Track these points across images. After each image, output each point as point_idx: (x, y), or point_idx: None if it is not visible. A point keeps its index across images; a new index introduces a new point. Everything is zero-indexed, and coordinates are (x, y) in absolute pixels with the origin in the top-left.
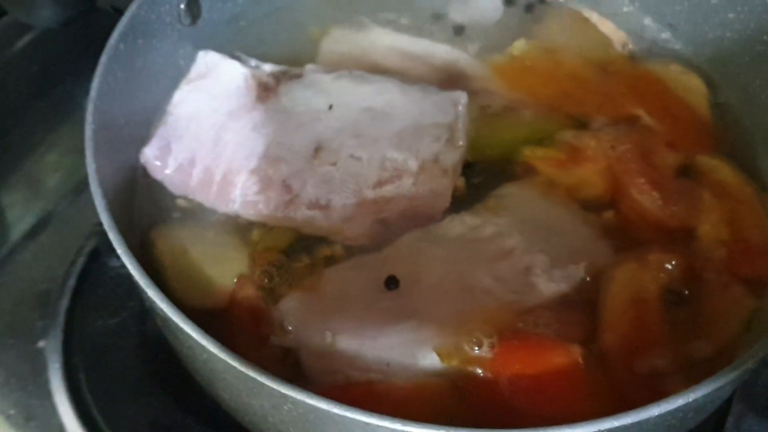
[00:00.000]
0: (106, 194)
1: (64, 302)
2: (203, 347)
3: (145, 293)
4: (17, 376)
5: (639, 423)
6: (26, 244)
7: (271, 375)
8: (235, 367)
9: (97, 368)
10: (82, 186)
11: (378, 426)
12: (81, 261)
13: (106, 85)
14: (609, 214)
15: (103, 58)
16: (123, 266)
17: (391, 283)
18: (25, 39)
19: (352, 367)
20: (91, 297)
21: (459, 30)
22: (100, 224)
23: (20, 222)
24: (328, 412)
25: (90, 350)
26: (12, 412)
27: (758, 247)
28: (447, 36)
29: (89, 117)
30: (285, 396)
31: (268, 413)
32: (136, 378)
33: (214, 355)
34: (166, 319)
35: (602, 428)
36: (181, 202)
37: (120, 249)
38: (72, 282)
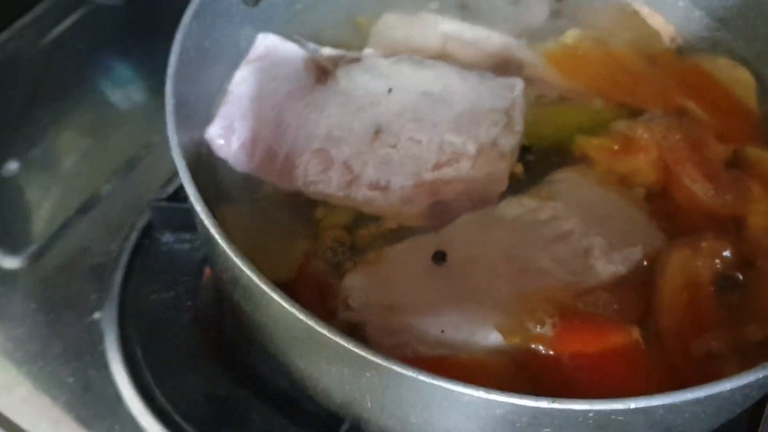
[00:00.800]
0: (189, 171)
1: (119, 276)
2: (287, 313)
3: (230, 261)
4: (75, 347)
5: (710, 397)
6: (80, 219)
7: (358, 342)
8: (321, 333)
9: (152, 340)
10: (132, 163)
11: (462, 393)
12: (134, 236)
13: (181, 62)
14: (661, 203)
15: (179, 36)
16: (175, 242)
17: (439, 257)
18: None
19: (418, 342)
20: (145, 271)
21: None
22: (154, 200)
23: (74, 198)
24: (414, 379)
25: (145, 323)
26: (70, 380)
27: None
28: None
29: (169, 92)
30: (370, 362)
31: (346, 381)
32: (190, 351)
33: (299, 321)
34: (249, 287)
35: (677, 401)
36: (243, 179)
37: (207, 221)
38: (125, 256)
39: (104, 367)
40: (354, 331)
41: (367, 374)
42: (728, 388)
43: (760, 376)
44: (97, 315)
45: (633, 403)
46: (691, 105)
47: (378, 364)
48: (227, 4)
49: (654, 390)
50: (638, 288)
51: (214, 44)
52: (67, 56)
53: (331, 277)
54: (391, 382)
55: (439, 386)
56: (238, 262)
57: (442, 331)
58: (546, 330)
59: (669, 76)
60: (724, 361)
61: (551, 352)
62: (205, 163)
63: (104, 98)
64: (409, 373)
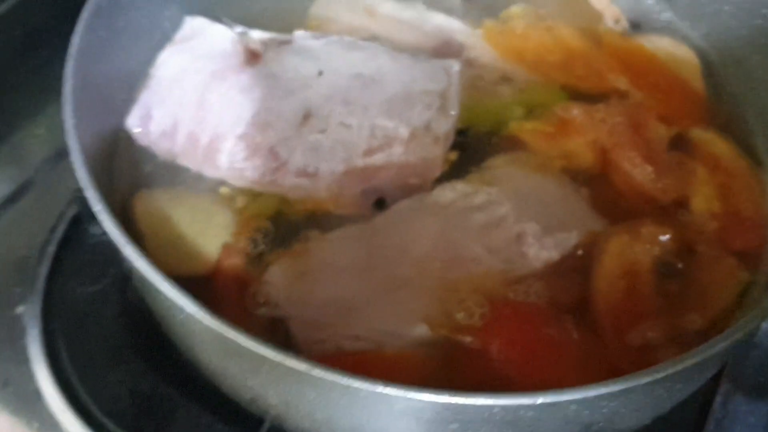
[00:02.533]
0: (85, 152)
1: (44, 269)
2: (180, 308)
3: (123, 253)
4: None
5: (626, 391)
6: (5, 210)
7: (249, 334)
8: (211, 328)
9: (76, 335)
10: (63, 153)
11: (357, 388)
12: (61, 228)
13: (86, 42)
14: (600, 187)
15: (85, 15)
16: (104, 233)
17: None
18: (8, 3)
19: (342, 337)
20: (72, 264)
21: None
22: (81, 190)
23: (1, 188)
24: (306, 374)
25: (70, 317)
26: None
27: (751, 220)
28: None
29: (68, 73)
30: (263, 357)
31: (247, 376)
32: (116, 346)
33: (191, 316)
34: (143, 280)
35: (589, 395)
36: (165, 167)
37: (97, 206)
38: (52, 248)
39: (25, 362)
40: (277, 326)
41: (264, 368)
42: (643, 382)
43: (679, 368)
44: (19, 309)
45: (540, 398)
46: (631, 88)
47: (269, 359)
48: None
49: (588, 380)
50: (574, 276)
51: (131, 24)
52: (0, 43)
53: (252, 270)
54: (288, 377)
55: (334, 381)
56: (127, 251)
57: (369, 325)
58: (474, 321)
59: (611, 57)
60: (661, 351)
61: (480, 345)
62: (124, 150)
63: (35, 85)
64: (302, 367)
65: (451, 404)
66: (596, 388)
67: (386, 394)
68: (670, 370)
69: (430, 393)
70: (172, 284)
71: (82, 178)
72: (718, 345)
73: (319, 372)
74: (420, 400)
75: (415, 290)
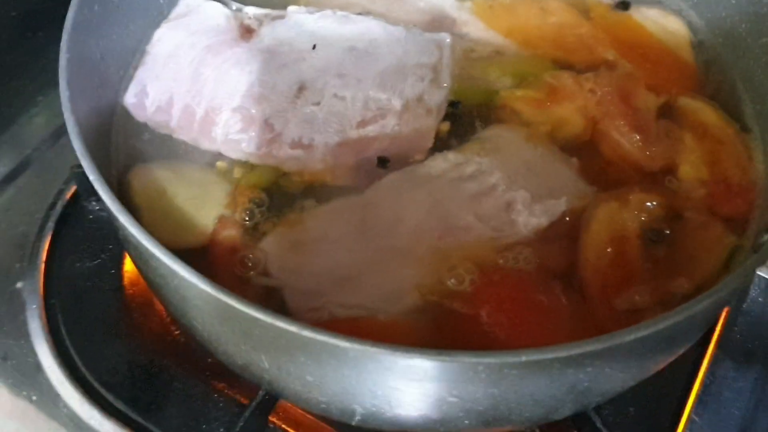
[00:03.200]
0: (81, 126)
1: (43, 244)
2: (174, 273)
3: (117, 221)
4: None
5: (609, 350)
6: (5, 187)
7: (241, 298)
8: (204, 291)
9: (75, 309)
10: (61, 132)
11: (346, 348)
12: (60, 204)
13: (81, 16)
14: (590, 156)
15: None
16: (102, 209)
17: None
18: None
19: (335, 305)
20: (70, 240)
21: None
22: (79, 167)
23: (0, 166)
24: (296, 335)
25: (69, 292)
26: None
27: (739, 186)
28: None
29: (64, 46)
30: (255, 319)
31: (240, 340)
32: (114, 319)
33: (185, 280)
34: (137, 247)
35: (572, 353)
36: (162, 141)
37: (92, 176)
38: (51, 224)
39: (25, 337)
40: (271, 296)
41: (256, 332)
42: (626, 341)
43: (661, 327)
44: (19, 284)
45: (524, 356)
46: (619, 58)
47: (261, 320)
48: None
49: None
50: (563, 242)
51: (127, 1)
52: None
53: (247, 240)
54: (281, 339)
55: (323, 342)
56: (121, 219)
57: (362, 293)
58: (465, 287)
59: (600, 29)
60: (649, 315)
61: (470, 310)
62: (121, 125)
63: (33, 67)
64: (292, 328)
65: (437, 364)
66: (580, 346)
67: (374, 355)
68: (652, 329)
69: (416, 352)
70: (165, 250)
71: (78, 147)
72: (700, 304)
73: (308, 333)
74: (407, 360)
75: (407, 259)
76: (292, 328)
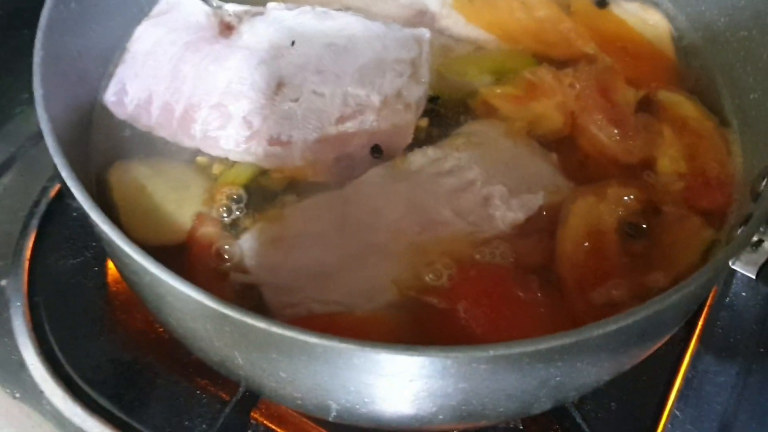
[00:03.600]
0: (55, 122)
1: (27, 242)
2: (145, 269)
3: (90, 218)
4: None
5: (578, 344)
6: None
7: (209, 293)
8: (175, 288)
9: (59, 307)
10: None
11: (315, 344)
12: (44, 202)
13: (57, 13)
14: (568, 151)
15: None
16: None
17: (376, 151)
18: None
19: (313, 301)
20: (54, 237)
21: None
22: None
23: None
24: (266, 331)
25: (52, 289)
26: None
27: (716, 179)
28: None
29: (38, 44)
30: (224, 316)
31: (213, 337)
32: (97, 317)
33: (156, 277)
34: (110, 243)
35: (540, 347)
36: (142, 138)
37: (64, 172)
38: (35, 222)
39: (8, 334)
40: (249, 292)
41: (227, 329)
42: (594, 335)
43: (629, 321)
44: (3, 282)
45: (492, 350)
46: (599, 52)
47: (230, 317)
48: None
49: None
50: (540, 237)
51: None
52: None
53: (225, 237)
54: (251, 336)
55: (292, 338)
56: (93, 215)
57: (341, 289)
58: (442, 282)
59: (580, 23)
60: (625, 309)
61: (447, 305)
62: (101, 121)
63: (17, 65)
64: (260, 324)
65: (406, 359)
66: (546, 341)
67: (343, 350)
68: (621, 323)
69: (384, 348)
70: (135, 247)
71: (50, 144)
72: (669, 298)
73: (277, 329)
74: (376, 355)
75: (385, 254)
76: (261, 324)
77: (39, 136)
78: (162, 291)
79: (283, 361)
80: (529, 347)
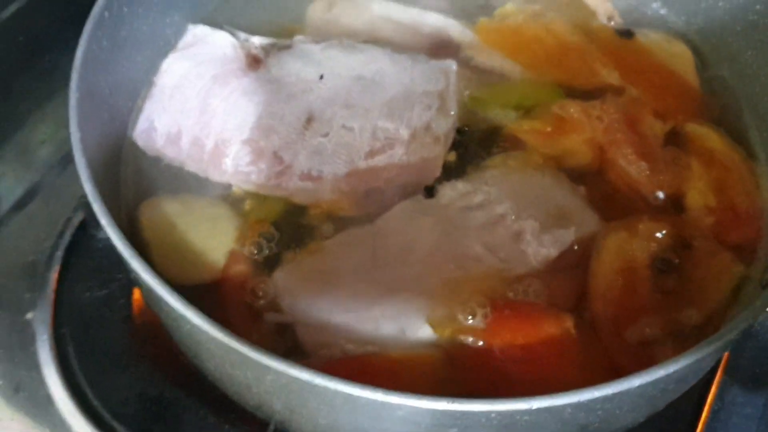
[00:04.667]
0: (91, 164)
1: (53, 274)
2: (186, 318)
3: (128, 264)
4: (5, 348)
5: (620, 394)
6: (14, 215)
7: (253, 345)
8: (217, 338)
9: (85, 340)
10: (71, 157)
11: (358, 396)
12: (69, 232)
13: (90, 53)
14: (597, 185)
15: (88, 26)
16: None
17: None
18: (11, 9)
19: (347, 341)
20: (79, 269)
21: None
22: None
23: (9, 194)
24: (309, 383)
25: (78, 322)
26: (0, 382)
27: (746, 213)
28: None
29: (73, 86)
30: (267, 367)
31: (252, 384)
32: (124, 349)
33: (197, 327)
34: (150, 291)
35: (583, 399)
36: (171, 173)
37: (103, 219)
38: (60, 253)
39: (36, 368)
40: (284, 330)
41: (268, 377)
42: (636, 385)
43: (671, 371)
44: (29, 315)
45: (536, 404)
46: (624, 82)
47: (274, 368)
48: None
49: (588, 377)
50: (572, 273)
51: (134, 34)
52: (4, 49)
53: (258, 275)
54: (292, 385)
55: (336, 390)
56: (133, 264)
57: (374, 327)
58: (477, 321)
59: (605, 53)
60: (659, 347)
61: (482, 345)
62: (130, 156)
63: (40, 91)
64: (303, 376)
65: (449, 410)
66: (590, 391)
67: (387, 402)
68: (662, 373)
69: (428, 400)
70: (177, 297)
71: (89, 191)
72: (710, 346)
73: (321, 380)
74: (419, 407)
75: (418, 291)
76: (305, 375)
77: (62, 164)
78: (202, 339)
79: (323, 409)
80: (572, 398)
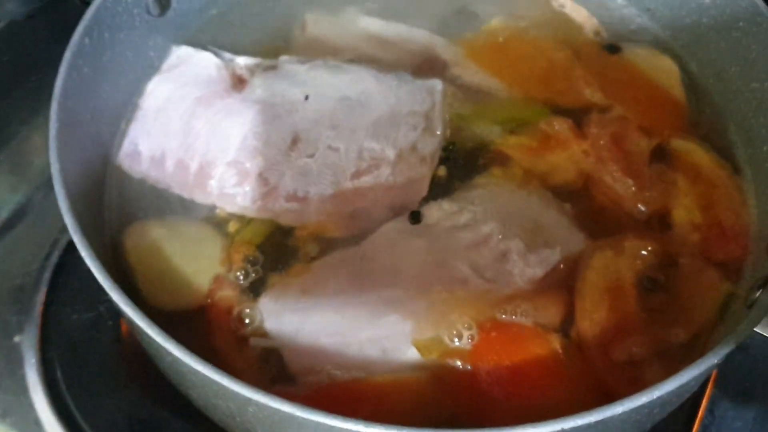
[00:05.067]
0: (71, 195)
1: (40, 296)
2: (167, 351)
3: (109, 295)
4: None
5: (604, 421)
6: (0, 237)
7: (233, 378)
8: (198, 371)
9: (73, 363)
10: None
11: (341, 428)
12: (56, 254)
13: (70, 81)
14: (583, 202)
15: (67, 55)
16: None
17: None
18: None
19: (334, 366)
20: (67, 291)
21: None
22: None
23: None
24: (291, 414)
25: (66, 345)
26: None
27: (732, 230)
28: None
29: (53, 116)
30: (248, 399)
31: (234, 414)
32: (112, 372)
33: (178, 358)
34: (130, 321)
35: (566, 427)
36: (156, 195)
37: (83, 252)
38: (47, 275)
39: (24, 392)
40: (270, 355)
41: (250, 409)
42: (618, 412)
43: (654, 396)
44: (17, 338)
45: None
46: (609, 101)
47: (255, 400)
48: (128, 15)
49: (576, 398)
50: (559, 293)
51: (116, 58)
52: None
53: (244, 300)
54: (274, 416)
55: (318, 422)
56: (113, 295)
57: (360, 350)
58: (463, 343)
59: (590, 70)
60: (646, 366)
61: (469, 367)
62: (114, 180)
63: (26, 112)
64: (286, 408)
65: None
66: (572, 419)
67: None
68: (645, 399)
69: (410, 430)
70: (159, 330)
71: (69, 224)
72: (697, 369)
73: (302, 413)
74: None
75: (404, 313)
76: (286, 408)
77: (49, 185)
78: (183, 369)
79: None
80: (555, 427)
